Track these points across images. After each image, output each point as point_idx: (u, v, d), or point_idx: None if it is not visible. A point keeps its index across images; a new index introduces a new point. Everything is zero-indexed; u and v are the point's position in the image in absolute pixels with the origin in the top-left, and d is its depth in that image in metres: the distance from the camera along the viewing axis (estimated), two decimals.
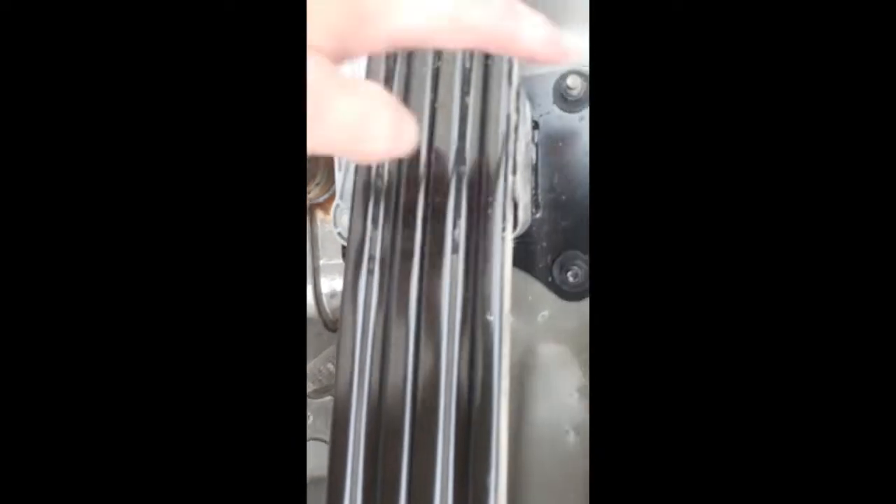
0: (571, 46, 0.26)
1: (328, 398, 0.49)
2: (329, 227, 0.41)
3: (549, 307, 0.44)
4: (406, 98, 0.36)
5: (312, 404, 0.49)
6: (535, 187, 0.43)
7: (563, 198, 0.43)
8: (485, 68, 0.36)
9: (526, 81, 0.43)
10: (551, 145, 0.43)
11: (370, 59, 0.38)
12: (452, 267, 0.34)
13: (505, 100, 0.36)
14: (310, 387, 0.52)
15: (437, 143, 0.35)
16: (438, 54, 0.37)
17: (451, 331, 0.33)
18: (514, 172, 0.35)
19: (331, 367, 0.52)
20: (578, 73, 0.42)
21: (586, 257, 0.43)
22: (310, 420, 0.49)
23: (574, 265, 0.43)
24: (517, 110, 0.36)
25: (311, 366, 0.52)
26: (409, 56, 0.37)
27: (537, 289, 0.44)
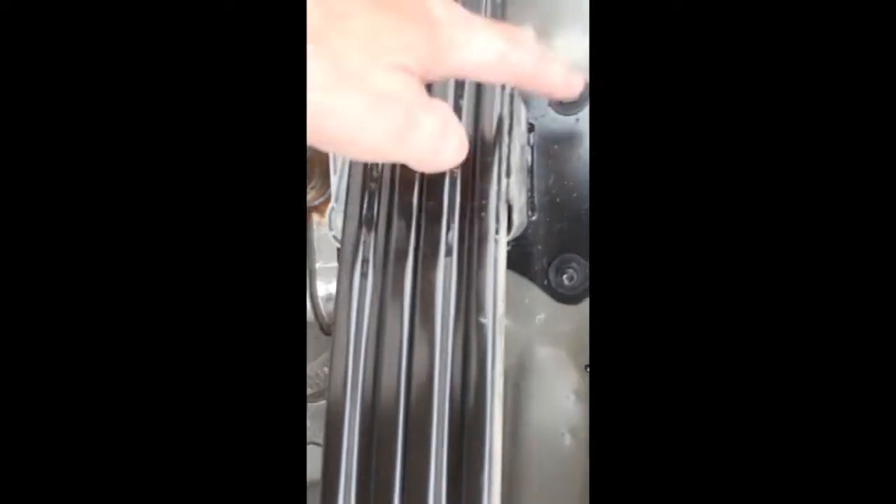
0: (582, 84, 0.31)
1: (324, 402, 0.49)
2: (324, 230, 0.41)
3: (545, 310, 0.44)
4: None
5: (309, 408, 0.49)
6: (531, 190, 0.43)
7: (559, 200, 0.43)
8: None
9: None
10: (547, 148, 0.43)
11: None
12: (446, 269, 0.34)
13: (498, 102, 0.36)
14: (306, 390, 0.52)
15: None
16: None
17: (444, 333, 0.33)
18: (509, 175, 0.35)
19: (327, 370, 0.52)
20: None
21: (582, 260, 0.43)
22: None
23: (570, 268, 0.43)
24: (511, 113, 0.37)
25: (308, 369, 0.52)
26: None
27: (533, 292, 0.44)
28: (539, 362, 0.44)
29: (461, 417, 0.32)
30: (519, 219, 0.38)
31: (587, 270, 0.42)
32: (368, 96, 0.24)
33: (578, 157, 0.43)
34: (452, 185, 0.35)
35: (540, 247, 0.43)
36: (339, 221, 0.38)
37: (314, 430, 0.48)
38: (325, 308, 0.51)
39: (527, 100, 0.43)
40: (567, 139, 0.43)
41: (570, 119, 0.43)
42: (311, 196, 0.47)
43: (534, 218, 0.43)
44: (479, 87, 0.36)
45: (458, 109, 0.36)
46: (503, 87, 0.36)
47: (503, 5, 0.41)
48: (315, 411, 0.49)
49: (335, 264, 0.49)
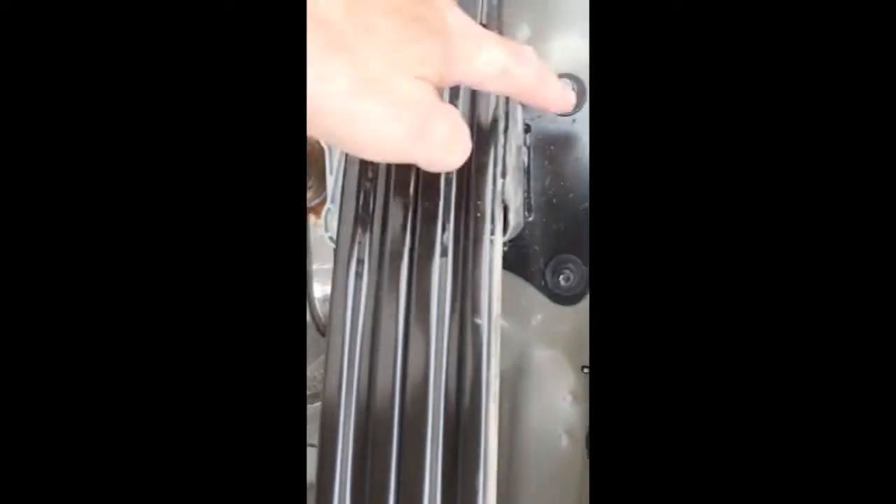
0: (575, 100, 0.35)
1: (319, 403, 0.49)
2: (321, 231, 0.41)
3: (542, 311, 0.44)
4: None
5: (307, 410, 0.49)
6: (527, 190, 0.43)
7: (556, 201, 0.43)
8: None
9: None
10: (543, 148, 0.43)
11: None
12: (441, 270, 0.34)
13: (493, 103, 0.36)
14: None
15: None
16: None
17: (440, 334, 0.33)
18: (504, 175, 0.35)
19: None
20: (569, 75, 0.42)
21: (578, 261, 0.42)
22: None
23: (566, 269, 0.43)
24: (507, 113, 0.37)
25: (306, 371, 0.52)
26: None
27: (530, 292, 0.44)
28: (536, 363, 0.44)
29: (456, 418, 0.32)
30: (515, 219, 0.38)
31: (584, 271, 0.42)
32: (390, 103, 0.26)
33: (575, 158, 0.43)
34: (448, 185, 0.35)
35: (537, 247, 0.43)
36: (335, 223, 0.38)
37: (310, 431, 0.48)
38: (322, 309, 0.51)
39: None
40: (563, 140, 0.43)
41: (567, 120, 0.43)
42: (308, 197, 0.47)
43: (530, 219, 0.43)
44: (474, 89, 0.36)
45: None
46: None
47: (499, 6, 0.41)
48: (312, 413, 0.49)
49: (331, 266, 0.49)
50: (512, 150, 0.37)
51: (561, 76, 0.43)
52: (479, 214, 0.34)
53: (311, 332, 0.51)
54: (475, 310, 0.33)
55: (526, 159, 0.43)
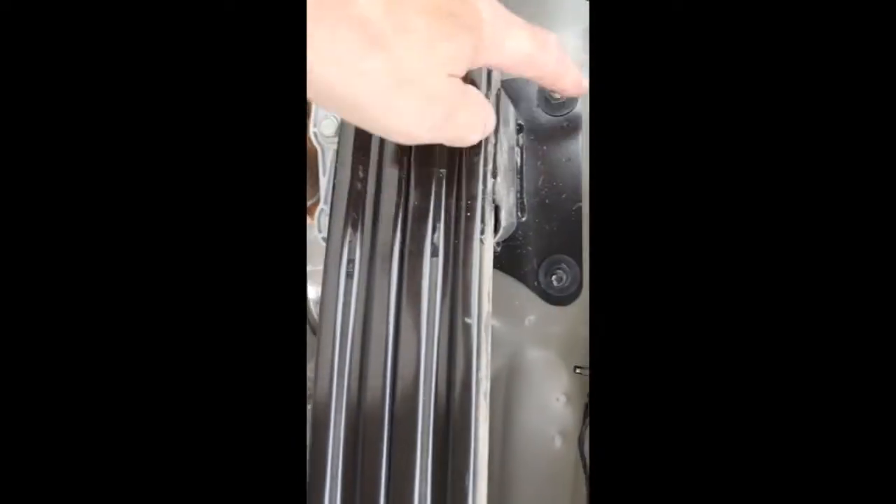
0: (587, 83, 0.35)
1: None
2: (314, 232, 0.41)
3: (535, 311, 0.44)
4: None
5: None
6: (520, 191, 0.43)
7: (548, 202, 0.43)
8: None
9: (510, 85, 0.43)
10: (536, 149, 0.43)
11: None
12: (432, 270, 0.34)
13: None
14: None
15: (416, 147, 0.36)
16: None
17: (430, 333, 0.33)
18: (495, 175, 0.35)
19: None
20: None
21: (571, 261, 0.42)
22: None
23: (559, 269, 0.43)
24: (498, 113, 0.37)
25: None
26: None
27: (524, 293, 0.44)
28: (529, 364, 0.44)
29: (447, 418, 0.32)
30: (507, 220, 0.38)
31: (576, 271, 0.42)
32: (423, 99, 0.28)
33: (567, 159, 0.43)
34: (438, 185, 0.35)
35: (530, 248, 0.43)
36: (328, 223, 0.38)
37: None
38: (316, 310, 0.51)
39: (515, 100, 0.43)
40: (556, 140, 0.43)
41: (559, 119, 0.43)
42: None
43: (523, 219, 0.43)
44: None
45: None
46: (489, 87, 0.36)
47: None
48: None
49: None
50: (503, 150, 0.37)
51: None
52: (469, 214, 0.34)
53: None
54: (465, 309, 0.33)
55: (519, 160, 0.43)
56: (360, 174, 0.36)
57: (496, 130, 0.36)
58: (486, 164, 0.35)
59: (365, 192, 0.35)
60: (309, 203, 0.46)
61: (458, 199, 0.34)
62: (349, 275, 0.34)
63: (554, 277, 0.43)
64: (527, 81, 0.43)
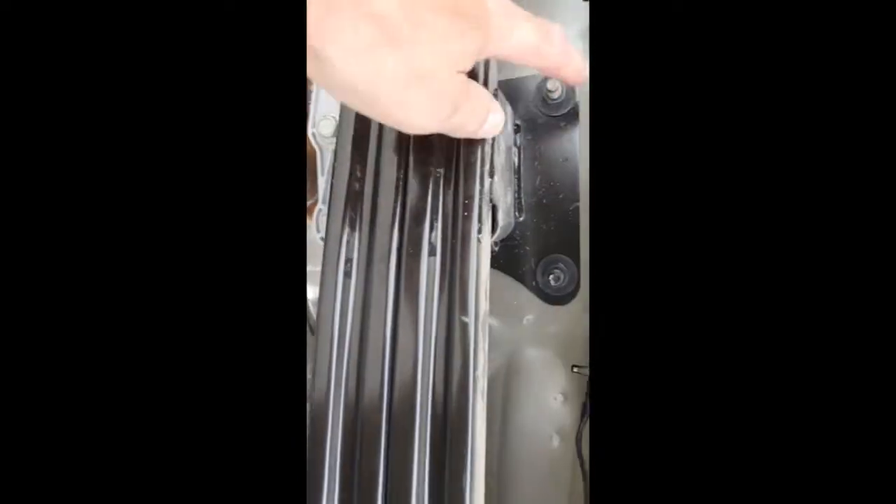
0: (587, 72, 0.36)
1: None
2: (312, 233, 0.41)
3: (533, 311, 0.44)
4: None
5: None
6: (518, 190, 0.43)
7: (546, 202, 0.43)
8: None
9: (507, 85, 0.43)
10: (533, 149, 0.44)
11: None
12: (429, 269, 0.34)
13: None
14: None
15: (414, 147, 0.36)
16: None
17: (427, 332, 0.33)
18: (492, 175, 0.36)
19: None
20: None
21: (569, 261, 0.43)
22: None
23: (556, 269, 0.43)
24: None
25: None
26: None
27: (522, 292, 0.44)
28: (527, 363, 0.44)
29: (444, 416, 0.32)
30: (505, 219, 0.38)
31: (573, 271, 0.42)
32: (433, 94, 0.29)
33: (564, 159, 0.43)
34: (436, 185, 0.35)
35: (528, 247, 0.44)
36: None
37: None
38: (314, 310, 0.51)
39: (512, 101, 0.43)
40: (553, 141, 0.44)
41: (557, 120, 0.44)
42: None
43: (521, 218, 0.43)
44: None
45: None
46: (486, 87, 0.36)
47: None
48: None
49: None
50: (501, 150, 0.37)
51: (548, 77, 0.43)
52: (466, 214, 0.34)
53: None
54: (463, 308, 0.33)
55: (516, 160, 0.43)
56: (358, 174, 0.36)
57: None
58: (483, 164, 0.35)
59: (363, 192, 0.36)
60: (308, 203, 0.46)
61: (456, 198, 0.34)
62: (347, 274, 0.35)
63: (551, 277, 0.43)
64: (524, 82, 0.43)
